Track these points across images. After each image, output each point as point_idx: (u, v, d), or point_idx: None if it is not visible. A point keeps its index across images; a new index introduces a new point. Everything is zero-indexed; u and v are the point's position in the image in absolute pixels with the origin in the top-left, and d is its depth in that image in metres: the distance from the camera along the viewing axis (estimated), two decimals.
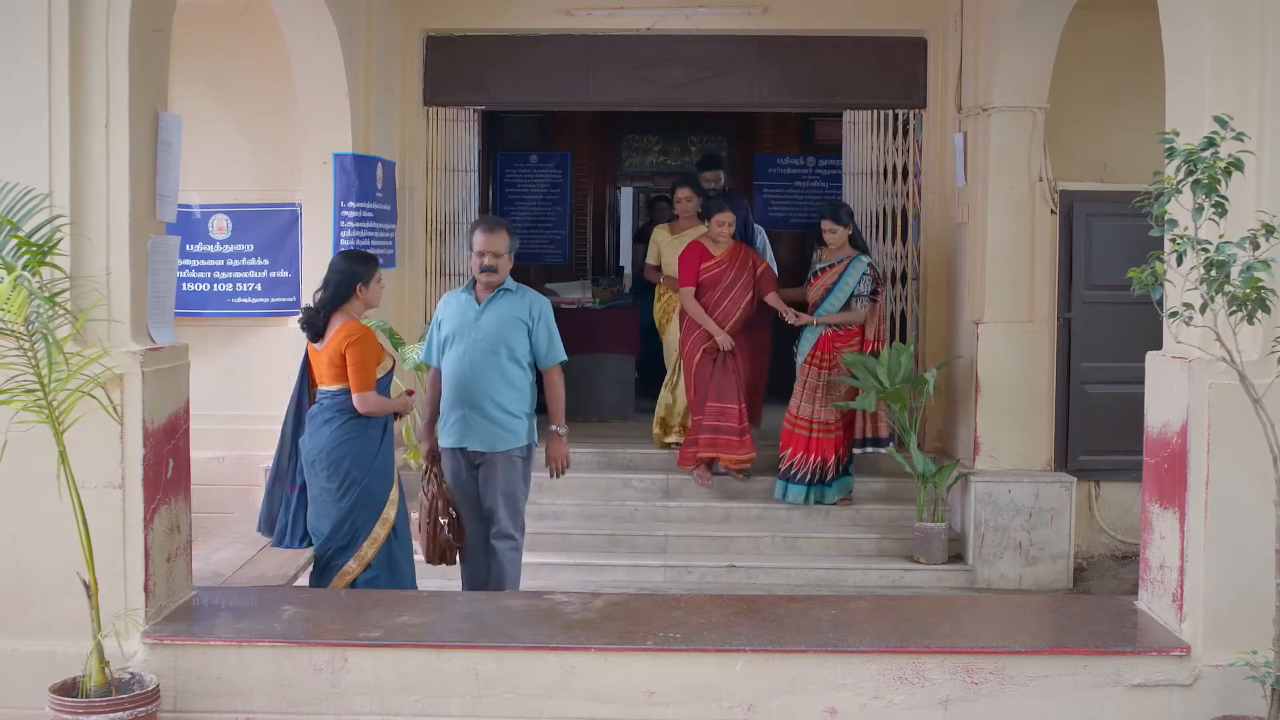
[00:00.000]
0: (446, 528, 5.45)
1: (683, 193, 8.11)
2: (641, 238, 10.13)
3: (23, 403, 3.84)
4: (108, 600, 4.00)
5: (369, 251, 5.90)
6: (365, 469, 5.13)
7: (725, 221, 7.45)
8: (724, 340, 7.32)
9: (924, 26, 7.79)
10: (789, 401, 7.36)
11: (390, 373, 5.32)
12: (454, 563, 5.57)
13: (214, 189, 7.44)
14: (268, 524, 5.43)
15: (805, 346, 7.34)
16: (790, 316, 7.33)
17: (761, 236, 8.53)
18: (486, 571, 5.62)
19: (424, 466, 5.61)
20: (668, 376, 7.99)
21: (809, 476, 7.22)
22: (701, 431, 7.36)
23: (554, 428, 5.60)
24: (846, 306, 7.24)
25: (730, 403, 7.29)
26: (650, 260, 8.30)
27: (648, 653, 4.10)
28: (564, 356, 5.63)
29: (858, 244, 7.38)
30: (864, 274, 7.22)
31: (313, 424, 5.21)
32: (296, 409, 5.37)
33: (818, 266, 7.41)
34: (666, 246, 8.08)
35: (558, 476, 5.70)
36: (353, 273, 5.18)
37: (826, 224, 7.34)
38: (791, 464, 7.25)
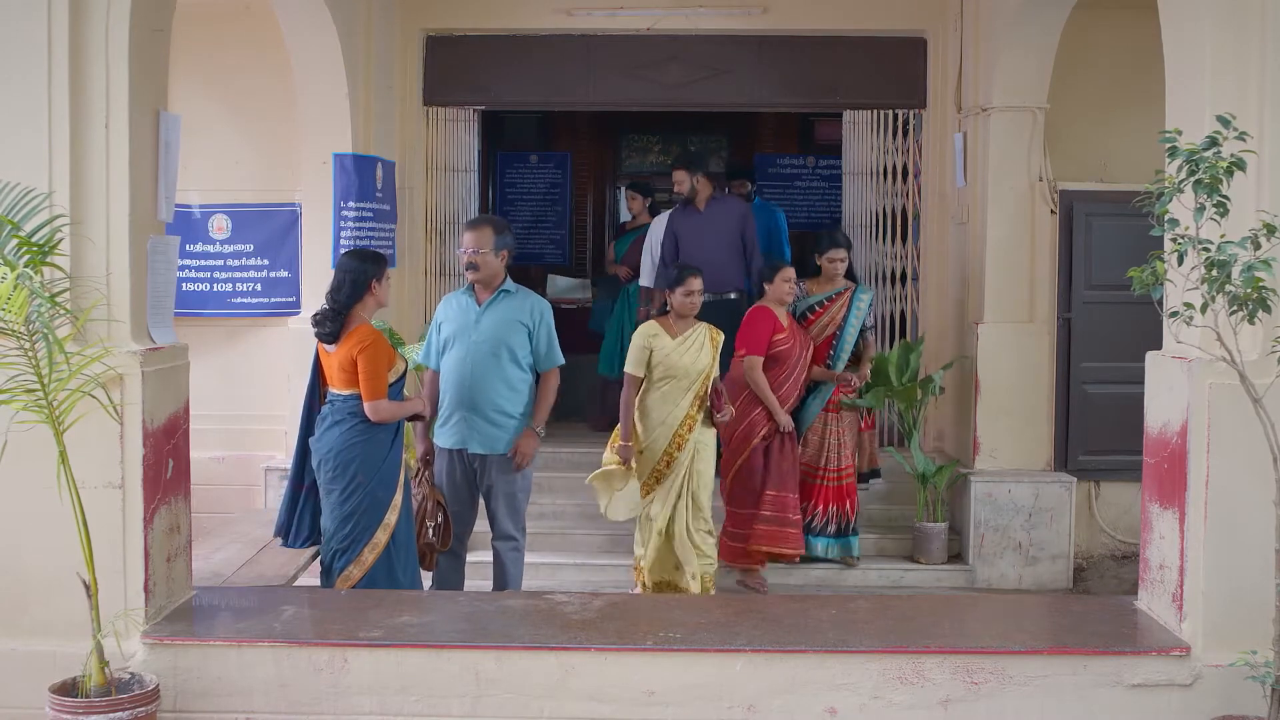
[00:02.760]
0: (432, 530, 5.43)
1: (695, 283, 6.02)
2: (619, 235, 9.40)
3: (23, 403, 3.84)
4: (107, 600, 4.00)
5: (378, 251, 5.89)
6: (372, 474, 5.10)
7: (792, 278, 6.54)
8: (785, 421, 6.46)
9: (924, 26, 7.80)
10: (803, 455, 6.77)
11: (403, 377, 5.28)
12: (432, 567, 5.53)
13: (214, 189, 7.45)
14: (284, 528, 5.43)
15: (818, 404, 6.78)
16: (854, 386, 6.74)
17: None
18: (456, 574, 5.61)
19: (417, 468, 5.60)
20: (643, 514, 6.13)
21: (835, 528, 6.81)
22: (759, 523, 6.46)
23: (532, 425, 5.55)
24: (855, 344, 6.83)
25: (789, 491, 6.50)
26: (632, 370, 6.06)
27: (647, 653, 4.09)
28: (562, 360, 5.64)
29: (851, 273, 6.95)
30: (870, 305, 6.86)
31: (322, 425, 5.18)
32: (307, 410, 5.35)
33: (815, 300, 6.82)
34: (670, 353, 6.01)
35: (518, 469, 5.55)
36: (367, 271, 5.16)
37: (838, 254, 6.76)
38: (813, 517, 6.79)
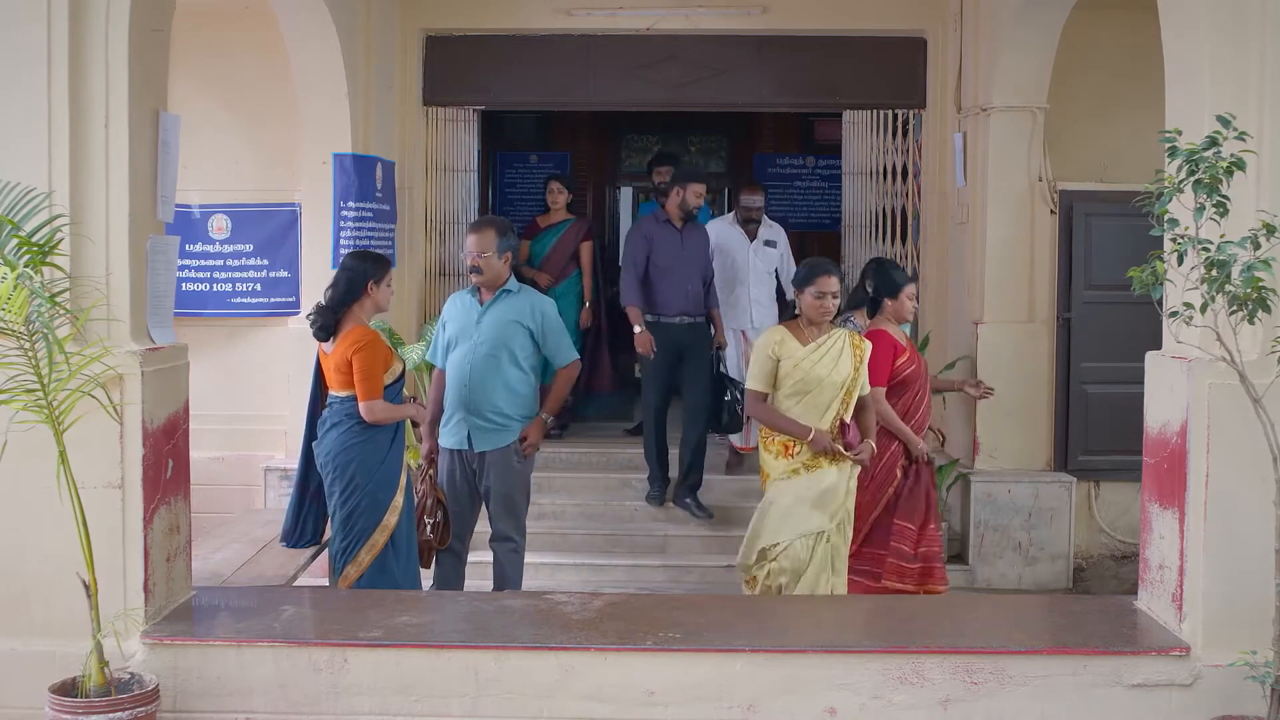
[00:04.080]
0: (430, 528, 5.43)
1: (829, 283, 5.20)
2: (532, 233, 8.62)
3: (23, 403, 3.84)
4: (107, 600, 3.99)
5: (381, 253, 5.87)
6: (370, 475, 5.10)
7: (915, 294, 5.86)
8: (924, 449, 5.74)
9: (924, 26, 7.80)
10: None
11: (401, 379, 5.28)
12: (429, 565, 5.52)
13: (214, 189, 7.44)
14: (288, 532, 5.43)
15: None
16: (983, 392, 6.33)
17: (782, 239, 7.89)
18: (456, 575, 5.61)
19: (422, 466, 5.61)
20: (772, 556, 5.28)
21: None
22: (889, 556, 5.69)
23: (541, 414, 5.56)
24: None
25: (912, 523, 5.74)
26: (756, 384, 5.26)
27: (647, 653, 4.09)
28: (574, 355, 5.61)
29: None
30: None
31: (322, 428, 5.19)
32: (311, 415, 5.35)
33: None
34: (801, 362, 5.21)
35: (523, 457, 5.52)
36: (365, 271, 5.15)
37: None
38: None
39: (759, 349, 5.31)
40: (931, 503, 5.83)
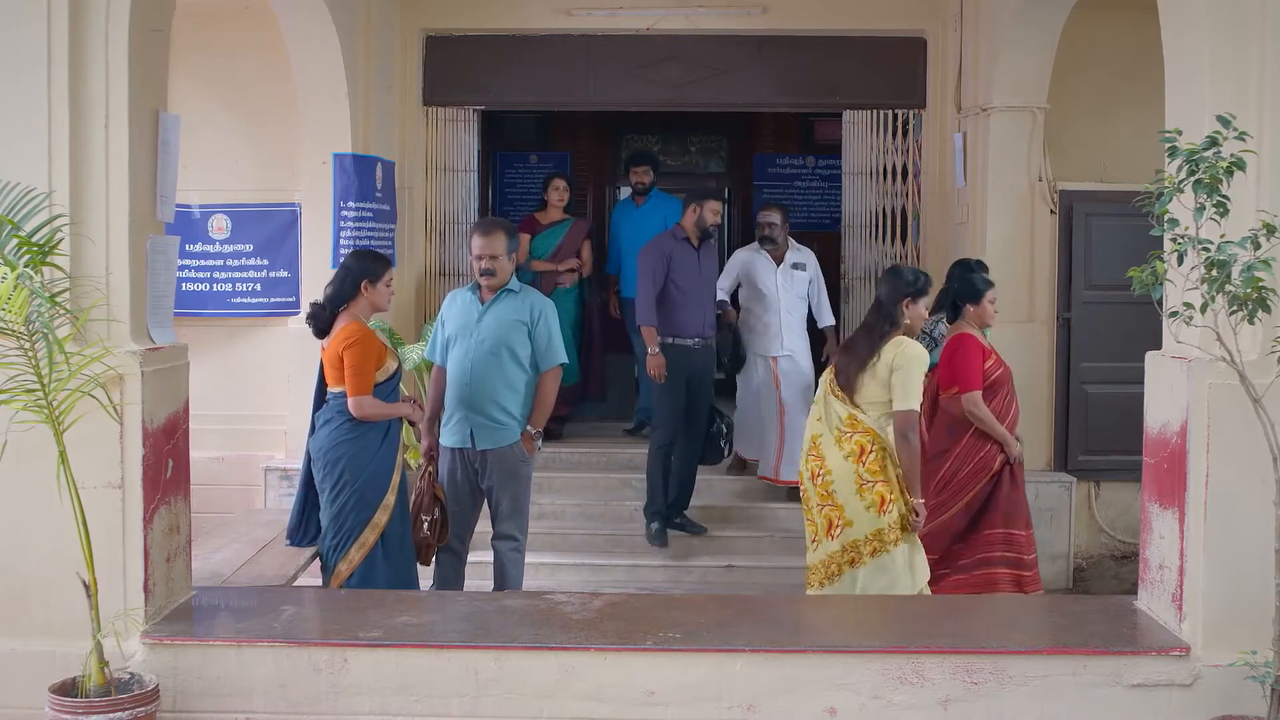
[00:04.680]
0: (427, 526, 5.43)
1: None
2: (534, 229, 8.42)
3: (23, 403, 3.84)
4: (107, 600, 3.99)
5: (382, 253, 5.86)
6: (359, 472, 5.10)
7: (995, 299, 5.85)
8: (1019, 451, 5.71)
9: (923, 26, 7.82)
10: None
11: (395, 377, 5.27)
12: (429, 563, 5.51)
13: (213, 189, 7.45)
14: (293, 529, 5.45)
15: None
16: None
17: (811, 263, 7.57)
18: (456, 574, 5.61)
19: (422, 465, 5.61)
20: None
21: None
22: (994, 564, 5.63)
23: (528, 427, 5.51)
24: None
25: (1020, 529, 5.70)
26: (918, 404, 5.12)
27: (647, 653, 4.09)
28: (563, 359, 5.59)
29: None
30: None
31: (317, 424, 5.21)
32: (314, 412, 5.36)
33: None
34: (927, 384, 5.31)
35: (525, 456, 5.51)
36: (361, 270, 5.15)
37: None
38: None
39: (917, 364, 5.05)
40: (1028, 510, 5.80)
